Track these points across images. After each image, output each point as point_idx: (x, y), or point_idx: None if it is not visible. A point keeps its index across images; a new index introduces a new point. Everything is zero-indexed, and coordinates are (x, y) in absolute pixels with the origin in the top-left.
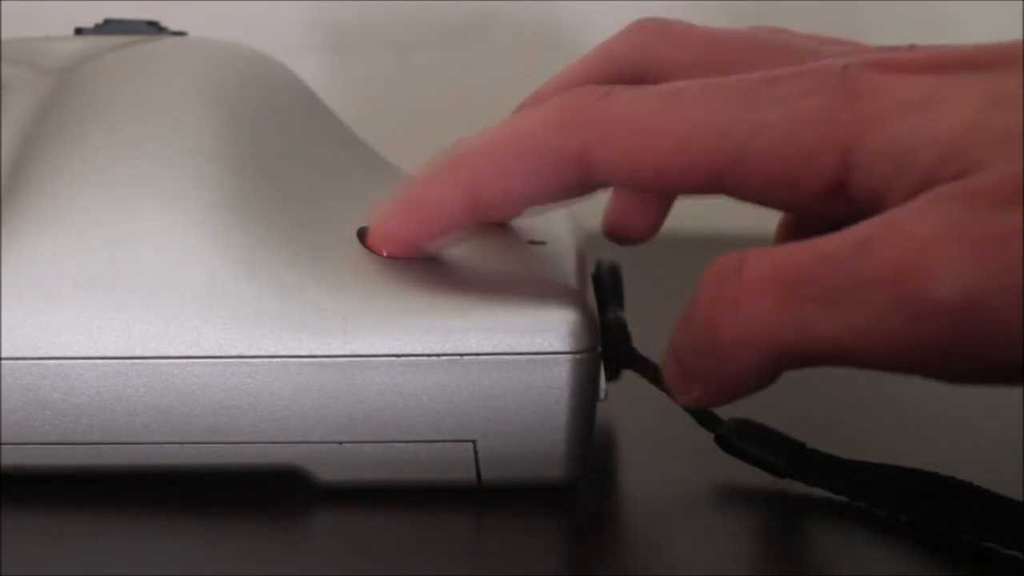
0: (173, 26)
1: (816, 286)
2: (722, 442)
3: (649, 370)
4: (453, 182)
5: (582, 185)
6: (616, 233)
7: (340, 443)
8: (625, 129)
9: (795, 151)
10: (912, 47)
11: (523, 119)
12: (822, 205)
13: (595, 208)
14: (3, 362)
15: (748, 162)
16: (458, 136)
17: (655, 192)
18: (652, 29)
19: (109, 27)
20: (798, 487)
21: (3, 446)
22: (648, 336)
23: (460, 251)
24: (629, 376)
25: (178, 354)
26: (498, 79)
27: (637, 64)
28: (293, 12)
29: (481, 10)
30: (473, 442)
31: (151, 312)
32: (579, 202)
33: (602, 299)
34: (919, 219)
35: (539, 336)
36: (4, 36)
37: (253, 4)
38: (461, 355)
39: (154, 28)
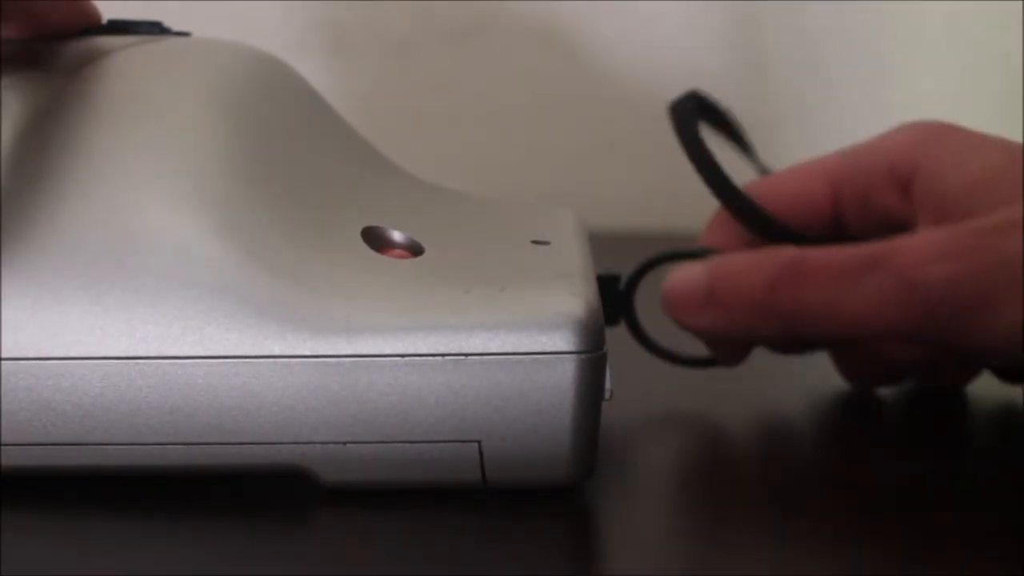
0: (172, 27)
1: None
2: None
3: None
4: None
5: None
6: None
7: (344, 444)
8: None
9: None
10: None
11: None
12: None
13: (601, 208)
14: (5, 362)
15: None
16: (458, 135)
17: None
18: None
19: (113, 28)
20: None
21: (5, 446)
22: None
23: (464, 251)
24: (635, 379)
25: (181, 354)
26: (498, 79)
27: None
28: (293, 12)
29: (481, 10)
30: (478, 442)
31: (155, 312)
32: None
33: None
34: (930, 238)
35: (544, 336)
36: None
37: (253, 4)
38: (466, 355)
39: (157, 28)
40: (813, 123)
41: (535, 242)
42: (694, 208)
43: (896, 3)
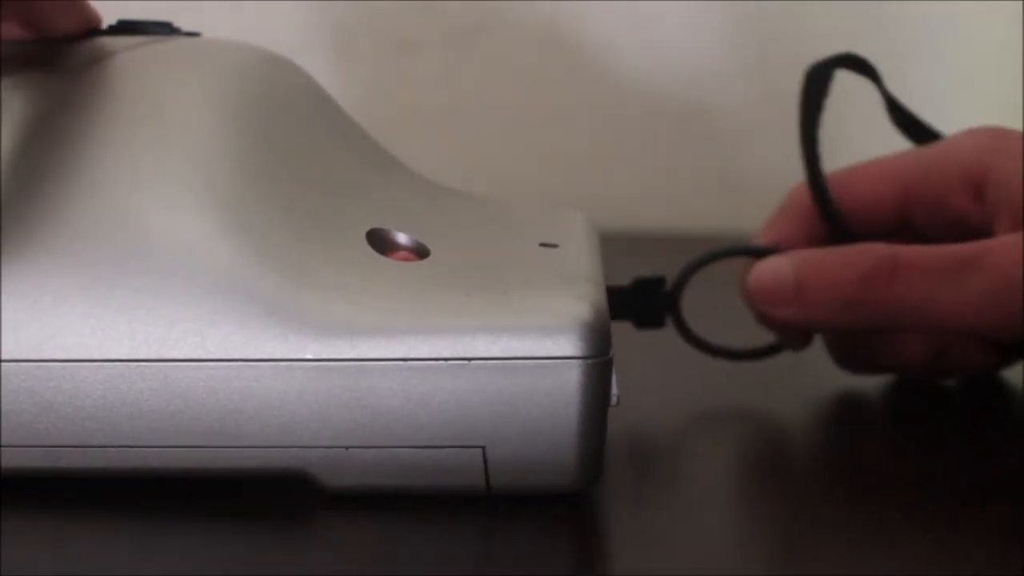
0: (182, 27)
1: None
2: None
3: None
4: None
5: None
6: None
7: (346, 448)
8: None
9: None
10: None
11: None
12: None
13: (609, 210)
14: (6, 364)
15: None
16: (459, 135)
17: None
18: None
19: (123, 28)
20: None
21: (6, 448)
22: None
23: (471, 253)
24: (639, 382)
25: (183, 357)
26: (498, 79)
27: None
28: (296, 12)
29: (482, 10)
30: (482, 448)
31: (156, 314)
32: None
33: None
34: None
35: (549, 340)
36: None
37: (256, 4)
38: (469, 359)
39: (167, 28)
40: None
41: (543, 245)
42: (694, 208)
43: (896, 3)
